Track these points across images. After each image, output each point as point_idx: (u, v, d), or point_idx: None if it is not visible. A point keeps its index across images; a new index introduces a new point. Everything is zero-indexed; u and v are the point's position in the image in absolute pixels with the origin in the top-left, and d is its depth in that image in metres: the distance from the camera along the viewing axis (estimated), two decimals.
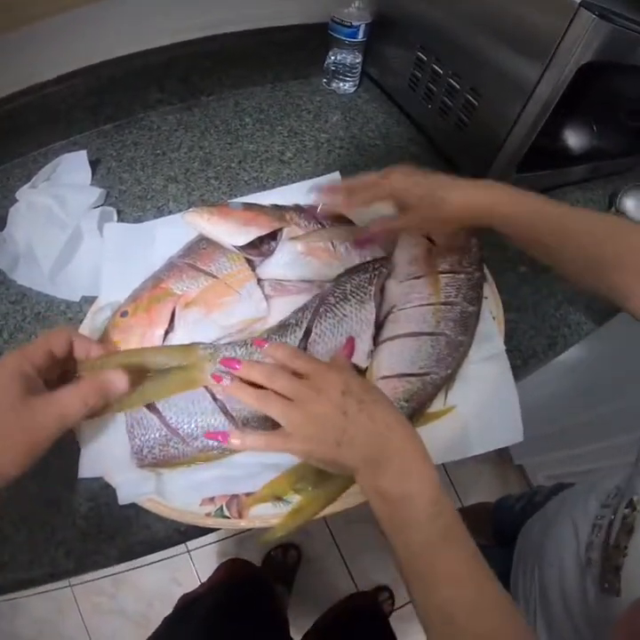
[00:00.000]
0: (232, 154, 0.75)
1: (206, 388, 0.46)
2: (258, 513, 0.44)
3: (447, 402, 0.50)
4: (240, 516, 0.44)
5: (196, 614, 0.69)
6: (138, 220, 0.66)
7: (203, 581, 0.80)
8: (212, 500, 0.44)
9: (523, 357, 0.59)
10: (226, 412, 0.45)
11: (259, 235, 0.51)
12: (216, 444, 0.44)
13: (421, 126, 0.81)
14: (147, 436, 0.45)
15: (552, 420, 1.18)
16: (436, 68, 0.72)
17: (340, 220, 0.57)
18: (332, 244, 0.54)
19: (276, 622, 0.79)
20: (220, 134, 0.77)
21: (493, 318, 0.54)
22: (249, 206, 0.54)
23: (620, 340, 0.90)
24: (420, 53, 0.74)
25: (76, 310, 0.58)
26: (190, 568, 1.41)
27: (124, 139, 0.75)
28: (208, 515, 0.44)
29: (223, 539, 1.43)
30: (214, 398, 0.45)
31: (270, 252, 0.53)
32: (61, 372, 0.41)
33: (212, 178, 0.72)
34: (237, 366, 0.40)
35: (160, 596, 1.39)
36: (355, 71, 0.83)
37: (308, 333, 0.47)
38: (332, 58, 0.81)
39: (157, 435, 0.45)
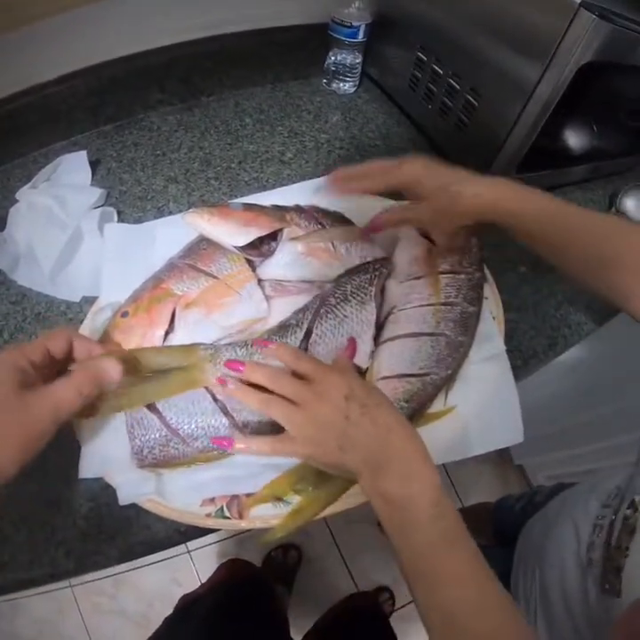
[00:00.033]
0: (232, 154, 0.75)
1: (207, 388, 0.46)
2: (258, 513, 0.44)
3: (447, 402, 0.50)
4: (240, 516, 0.44)
5: (197, 614, 0.69)
6: (138, 221, 0.66)
7: (203, 582, 0.80)
8: (212, 500, 0.44)
9: (523, 358, 0.59)
10: (226, 413, 0.45)
11: (259, 235, 0.51)
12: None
13: (421, 127, 0.81)
14: (147, 437, 0.45)
15: (552, 421, 1.18)
16: (436, 68, 0.72)
17: (340, 220, 0.57)
18: (333, 244, 0.54)
19: (277, 622, 0.79)
20: (221, 135, 0.77)
21: (494, 318, 0.54)
22: (249, 207, 0.54)
23: (620, 340, 0.90)
24: (420, 54, 0.74)
25: (76, 311, 0.58)
26: (191, 568, 1.41)
27: (125, 139, 0.75)
28: (208, 515, 0.44)
29: (223, 539, 1.43)
30: (214, 399, 0.45)
31: (271, 253, 0.53)
32: (60, 372, 0.41)
33: (212, 178, 0.72)
34: (241, 368, 0.40)
35: (160, 597, 1.39)
36: (355, 71, 0.84)
37: (308, 334, 0.47)
38: (333, 58, 0.81)
39: (158, 435, 0.45)
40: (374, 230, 0.53)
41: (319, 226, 0.55)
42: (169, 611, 0.72)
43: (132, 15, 0.70)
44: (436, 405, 0.50)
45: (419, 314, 0.50)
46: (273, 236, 0.53)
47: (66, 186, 0.64)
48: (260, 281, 0.53)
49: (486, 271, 0.56)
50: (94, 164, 0.69)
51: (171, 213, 0.67)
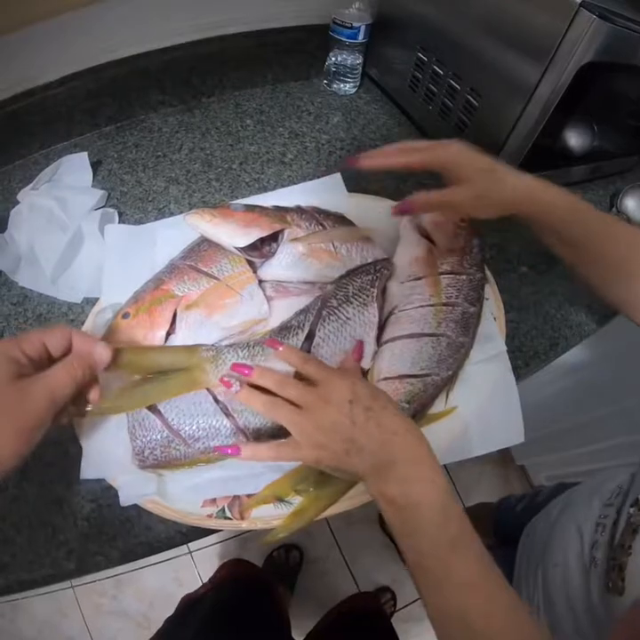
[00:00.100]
0: (233, 155, 0.75)
1: (208, 389, 0.46)
2: (259, 514, 0.44)
3: (448, 403, 0.50)
4: (242, 517, 0.44)
5: (198, 615, 0.69)
6: (139, 222, 0.66)
7: (204, 582, 0.80)
8: (213, 501, 0.45)
9: (524, 358, 0.59)
10: (227, 414, 0.45)
11: (260, 236, 0.51)
12: None
13: (422, 127, 0.81)
14: (148, 438, 0.45)
15: (554, 421, 1.18)
16: (437, 68, 0.72)
17: (340, 221, 0.57)
18: (334, 245, 0.54)
19: (278, 623, 0.79)
20: (221, 136, 0.77)
21: (494, 319, 0.54)
22: (250, 208, 0.54)
23: (621, 340, 0.90)
24: (420, 54, 0.74)
25: (77, 312, 0.58)
26: (192, 569, 1.41)
27: (125, 140, 0.75)
28: (210, 516, 0.44)
29: (225, 540, 1.43)
30: (216, 400, 0.45)
31: (271, 254, 0.53)
32: None
33: (213, 179, 0.72)
34: (247, 372, 0.40)
35: (162, 597, 1.39)
36: (355, 72, 0.84)
37: (310, 336, 0.47)
38: (333, 59, 0.81)
39: (159, 436, 0.45)
40: (404, 212, 0.51)
41: (320, 227, 0.55)
42: (170, 611, 0.72)
43: (133, 16, 0.71)
44: (438, 406, 0.50)
45: (420, 314, 0.50)
46: (274, 237, 0.53)
47: (67, 187, 0.65)
48: (260, 282, 0.53)
49: (487, 272, 0.56)
50: (95, 166, 0.70)
51: (172, 214, 0.67)
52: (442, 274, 0.53)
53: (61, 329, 0.39)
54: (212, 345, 0.48)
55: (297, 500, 0.44)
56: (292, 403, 0.38)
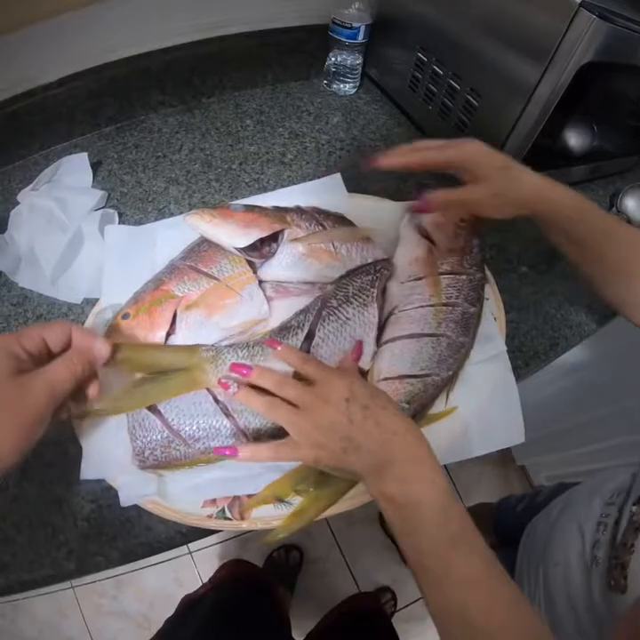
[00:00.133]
0: (233, 156, 0.75)
1: (208, 389, 0.46)
2: (259, 514, 0.44)
3: (449, 403, 0.50)
4: (242, 517, 0.44)
5: (198, 615, 0.69)
6: (139, 223, 0.66)
7: (205, 582, 0.80)
8: (213, 501, 0.45)
9: (524, 358, 0.59)
10: (227, 414, 0.45)
11: (260, 236, 0.51)
12: None
13: (422, 127, 0.81)
14: (148, 438, 0.45)
15: (554, 421, 1.18)
16: (437, 68, 0.72)
17: (340, 221, 0.57)
18: (334, 245, 0.54)
19: (278, 623, 0.79)
20: (221, 136, 0.77)
21: (494, 319, 0.54)
22: (250, 208, 0.54)
23: (621, 340, 0.90)
24: (420, 54, 0.74)
25: (77, 312, 0.59)
26: (192, 569, 1.41)
27: (125, 141, 0.75)
28: (210, 516, 0.44)
29: (225, 540, 1.43)
30: (216, 400, 0.45)
31: (271, 254, 0.53)
32: None
33: (212, 180, 0.72)
34: (246, 372, 0.40)
35: (162, 598, 1.39)
36: (355, 72, 0.84)
37: (310, 336, 0.47)
38: (333, 59, 0.81)
39: (159, 436, 0.45)
40: (423, 210, 0.51)
41: (320, 227, 0.55)
42: (170, 611, 0.72)
43: (133, 16, 0.71)
44: (438, 406, 0.50)
45: (420, 315, 0.50)
46: (274, 238, 0.53)
47: (67, 188, 0.65)
48: (260, 282, 0.53)
49: (487, 272, 0.56)
50: (95, 166, 0.70)
51: (172, 215, 0.67)
52: (442, 274, 0.53)
53: (61, 324, 0.39)
54: (212, 345, 0.48)
55: (297, 501, 0.44)
56: (290, 403, 0.38)
